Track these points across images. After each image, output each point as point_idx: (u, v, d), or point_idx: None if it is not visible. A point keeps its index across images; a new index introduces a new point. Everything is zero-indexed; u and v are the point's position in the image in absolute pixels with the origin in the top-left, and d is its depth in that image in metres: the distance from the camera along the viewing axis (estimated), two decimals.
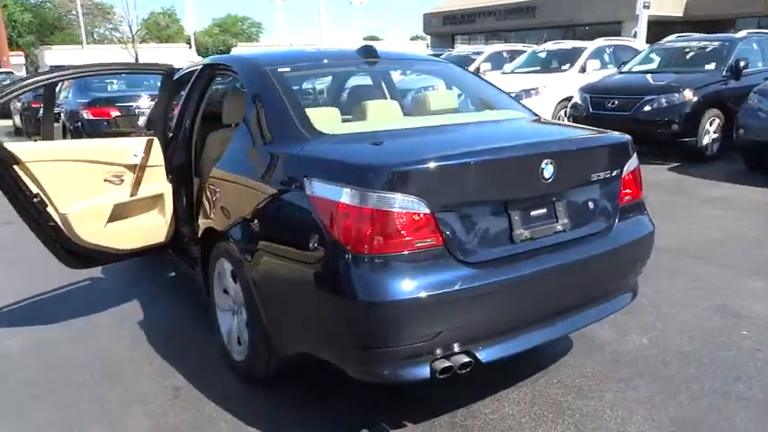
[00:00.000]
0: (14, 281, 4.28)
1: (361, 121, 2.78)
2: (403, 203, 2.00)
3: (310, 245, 2.14)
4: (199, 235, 3.00)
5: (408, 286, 1.99)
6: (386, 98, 3.53)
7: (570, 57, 10.46)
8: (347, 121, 2.85)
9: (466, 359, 2.13)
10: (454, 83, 3.42)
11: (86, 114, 8.10)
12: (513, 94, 2.99)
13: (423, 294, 1.99)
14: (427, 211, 2.03)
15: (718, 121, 7.74)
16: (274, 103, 2.63)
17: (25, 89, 2.87)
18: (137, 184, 3.25)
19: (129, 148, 3.23)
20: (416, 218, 2.02)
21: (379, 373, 2.10)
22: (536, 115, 3.12)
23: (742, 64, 7.89)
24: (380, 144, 2.35)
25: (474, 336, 2.18)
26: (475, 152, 2.18)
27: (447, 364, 2.10)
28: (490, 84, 3.37)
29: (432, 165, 2.05)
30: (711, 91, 7.76)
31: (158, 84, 9.45)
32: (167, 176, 3.40)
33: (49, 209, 2.98)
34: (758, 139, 6.60)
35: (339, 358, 2.22)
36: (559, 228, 2.36)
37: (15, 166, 2.83)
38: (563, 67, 10.28)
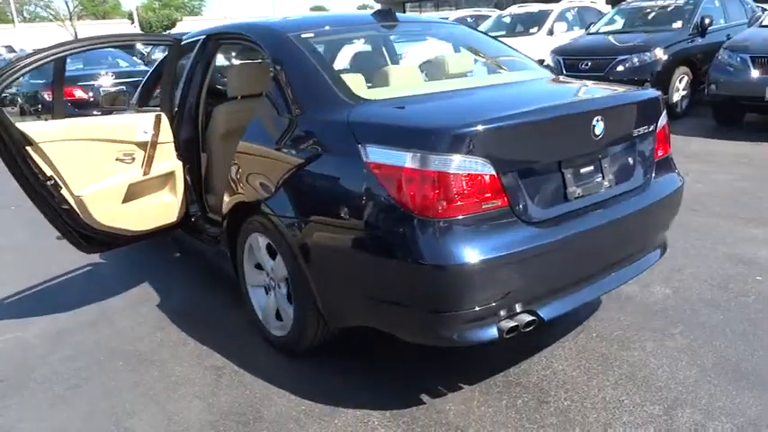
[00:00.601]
0: (6, 270, 4.07)
1: (390, 86, 2.72)
2: (470, 165, 1.98)
3: (371, 212, 2.10)
4: (224, 211, 2.91)
5: (479, 248, 1.98)
6: (397, 63, 3.46)
7: (537, 20, 10.51)
8: (372, 86, 2.78)
9: (529, 318, 2.15)
10: (471, 45, 3.38)
11: (48, 96, 7.62)
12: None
13: (493, 255, 1.99)
14: (493, 172, 2.02)
15: (686, 78, 7.95)
16: (307, 71, 2.54)
17: (32, 66, 2.67)
18: (149, 162, 3.11)
19: (139, 124, 3.08)
20: (483, 179, 2.00)
21: (449, 337, 2.10)
22: (555, 74, 3.13)
23: (707, 21, 8.10)
24: (434, 107, 2.30)
25: (535, 294, 2.20)
26: (535, 111, 2.17)
27: (513, 323, 2.12)
28: (505, 44, 3.35)
29: (496, 125, 2.03)
30: (680, 49, 7.94)
31: (118, 61, 9.00)
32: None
33: (64, 191, 2.82)
34: (729, 94, 6.81)
35: (404, 325, 2.20)
36: (606, 184, 2.39)
37: (28, 148, 2.66)
38: (531, 31, 10.32)
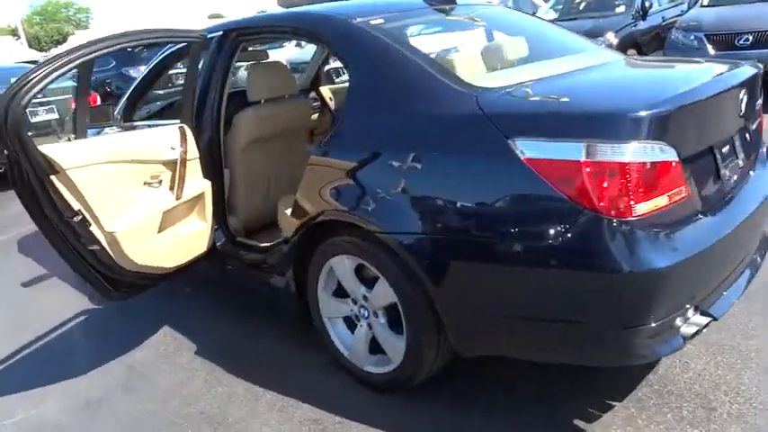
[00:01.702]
0: None
1: (481, 73, 2.38)
2: (657, 153, 1.71)
3: (537, 217, 1.77)
4: (288, 232, 2.48)
5: (676, 247, 1.72)
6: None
7: None
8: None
9: (706, 319, 1.90)
10: (536, 28, 3.14)
11: None
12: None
13: (690, 254, 1.73)
14: (677, 158, 1.75)
15: None
16: (400, 61, 2.16)
17: (55, 75, 2.10)
18: (180, 183, 2.60)
19: (165, 140, 2.57)
20: (670, 168, 1.74)
21: (638, 353, 1.81)
22: (622, 55, 2.94)
23: (647, 5, 8.34)
24: (582, 91, 2.01)
25: (706, 293, 1.96)
26: (702, 88, 1.93)
27: (694, 327, 1.86)
28: (563, 28, 3.12)
29: (674, 105, 1.77)
30: (627, 33, 8.11)
31: None
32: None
33: (93, 228, 2.27)
34: None
35: (571, 346, 1.89)
36: (741, 163, 2.20)
37: (53, 177, 2.10)
38: None
